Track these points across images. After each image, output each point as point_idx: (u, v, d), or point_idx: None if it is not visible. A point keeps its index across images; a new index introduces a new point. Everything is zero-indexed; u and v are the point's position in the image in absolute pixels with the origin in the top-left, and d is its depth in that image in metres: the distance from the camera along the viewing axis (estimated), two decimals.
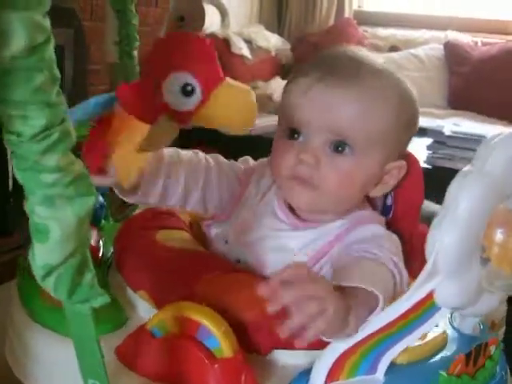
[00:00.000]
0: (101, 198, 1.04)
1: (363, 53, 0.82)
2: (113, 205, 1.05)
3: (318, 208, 0.79)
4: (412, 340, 0.61)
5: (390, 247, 0.74)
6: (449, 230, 0.53)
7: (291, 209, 0.82)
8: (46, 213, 0.47)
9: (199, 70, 0.74)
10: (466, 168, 0.55)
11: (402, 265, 0.72)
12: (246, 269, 0.79)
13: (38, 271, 0.49)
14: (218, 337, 0.61)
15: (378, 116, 0.76)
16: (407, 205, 0.85)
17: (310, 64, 0.81)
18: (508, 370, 0.79)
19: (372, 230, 0.77)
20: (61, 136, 0.46)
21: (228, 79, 0.77)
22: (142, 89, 0.72)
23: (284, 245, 0.80)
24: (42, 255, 0.48)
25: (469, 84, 3.05)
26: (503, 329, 0.99)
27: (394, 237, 0.78)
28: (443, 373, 0.62)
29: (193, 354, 0.62)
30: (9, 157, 1.67)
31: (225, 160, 0.89)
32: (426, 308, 0.58)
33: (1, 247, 1.60)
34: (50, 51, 0.45)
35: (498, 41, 3.21)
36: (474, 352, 0.66)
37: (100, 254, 0.86)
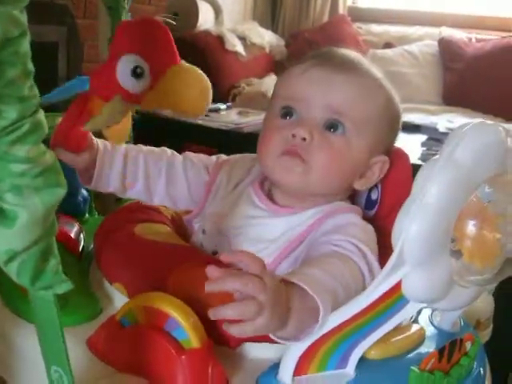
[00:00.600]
0: (85, 192, 1.03)
1: (357, 55, 0.84)
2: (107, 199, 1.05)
3: (305, 188, 0.78)
4: (382, 333, 0.60)
5: (361, 237, 0.73)
6: (416, 219, 0.52)
7: (268, 196, 0.82)
8: (15, 200, 0.48)
9: (150, 53, 0.75)
10: (434, 157, 0.54)
11: (372, 256, 0.71)
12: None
13: (1, 256, 0.49)
14: (185, 328, 0.60)
15: (372, 102, 0.79)
16: (395, 199, 0.83)
17: (306, 56, 0.82)
18: (487, 367, 0.78)
19: (347, 219, 0.77)
20: (31, 127, 0.47)
21: (182, 63, 0.77)
22: (102, 68, 0.76)
23: (259, 234, 0.79)
24: (6, 240, 0.48)
25: (463, 80, 3.04)
26: (490, 328, 0.98)
27: (369, 227, 0.78)
28: (414, 368, 0.61)
29: (160, 345, 0.61)
30: None
31: (194, 154, 0.91)
32: (393, 300, 0.57)
33: None
34: (25, 45, 0.45)
35: (493, 37, 3.20)
36: (447, 348, 0.64)
37: (80, 248, 0.86)
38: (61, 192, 0.50)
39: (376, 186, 0.85)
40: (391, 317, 0.58)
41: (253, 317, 0.56)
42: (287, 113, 0.79)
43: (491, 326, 0.99)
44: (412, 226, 0.52)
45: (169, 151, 0.89)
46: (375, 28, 3.60)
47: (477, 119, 0.56)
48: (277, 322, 0.58)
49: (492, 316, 0.98)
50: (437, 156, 0.55)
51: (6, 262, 0.49)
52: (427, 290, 0.55)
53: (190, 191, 0.88)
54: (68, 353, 0.54)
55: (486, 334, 0.97)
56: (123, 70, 0.77)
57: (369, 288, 0.57)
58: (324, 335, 0.59)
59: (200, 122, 2.51)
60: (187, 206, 0.90)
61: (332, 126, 0.77)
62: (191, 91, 0.78)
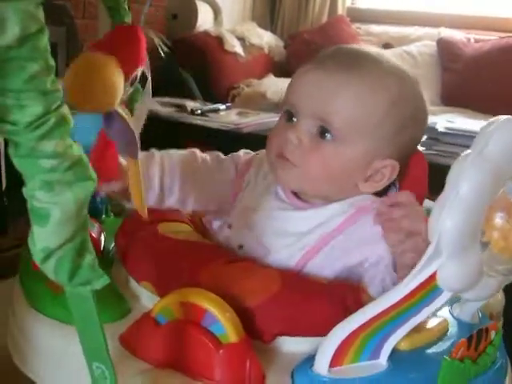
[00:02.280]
0: (102, 193, 1.04)
1: (374, 52, 0.82)
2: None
3: (303, 189, 0.81)
4: (414, 324, 0.62)
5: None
6: (451, 213, 0.54)
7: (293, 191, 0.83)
8: (46, 197, 0.48)
9: (100, 39, 0.76)
10: (466, 152, 0.56)
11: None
12: (247, 254, 0.80)
13: (37, 255, 0.50)
14: (223, 323, 0.61)
15: (367, 107, 0.77)
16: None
17: (320, 53, 0.83)
18: (507, 357, 0.80)
19: (371, 231, 0.77)
20: (57, 122, 0.47)
21: (97, 54, 0.71)
22: None
23: (285, 228, 0.80)
24: (42, 239, 0.49)
25: (462, 81, 3.07)
26: (501, 322, 1.00)
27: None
28: (446, 357, 0.63)
29: (198, 340, 0.62)
30: (1, 157, 1.67)
31: (223, 156, 0.91)
32: (428, 291, 0.59)
33: None
34: (44, 41, 0.46)
35: (491, 37, 3.22)
36: (475, 336, 0.66)
37: (102, 248, 0.87)
38: (91, 185, 0.50)
39: (394, 184, 0.85)
40: (424, 307, 0.60)
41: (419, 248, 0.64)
42: (289, 116, 0.81)
43: (502, 320, 1.01)
44: (447, 220, 0.54)
45: (198, 154, 0.89)
46: (374, 28, 3.63)
47: (503, 116, 0.58)
48: None
49: (502, 310, 1.01)
50: (467, 152, 0.57)
51: (42, 260, 0.50)
52: (461, 280, 0.57)
53: (219, 194, 0.89)
54: (108, 348, 0.55)
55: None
56: None
57: (406, 279, 0.59)
58: (359, 327, 0.61)
59: (200, 122, 2.52)
60: (216, 208, 0.90)
61: (322, 132, 0.77)
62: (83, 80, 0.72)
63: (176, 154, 0.87)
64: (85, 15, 2.64)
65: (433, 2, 3.62)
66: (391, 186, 0.85)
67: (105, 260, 0.85)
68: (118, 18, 1.01)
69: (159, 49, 0.88)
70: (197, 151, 0.90)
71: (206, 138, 2.43)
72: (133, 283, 0.78)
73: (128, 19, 1.03)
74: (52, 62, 0.47)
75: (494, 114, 1.97)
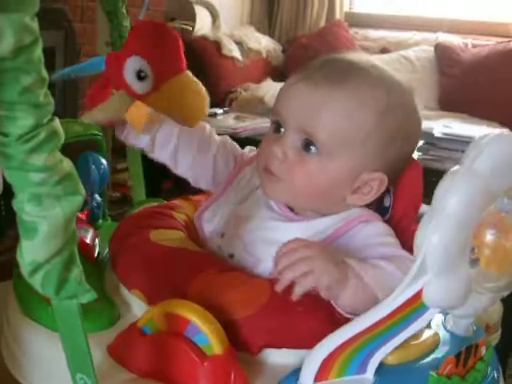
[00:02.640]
0: (98, 198, 1.04)
1: (365, 61, 0.81)
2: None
3: (291, 202, 0.81)
4: (401, 340, 0.61)
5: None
6: (437, 230, 0.53)
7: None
8: (35, 211, 0.48)
9: (155, 59, 0.79)
10: (455, 168, 0.55)
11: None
12: (238, 264, 0.79)
13: (25, 268, 0.50)
14: (207, 334, 0.61)
15: (353, 120, 0.76)
16: (408, 206, 0.86)
17: (310, 63, 0.82)
18: (500, 370, 0.79)
19: (377, 228, 0.78)
20: (48, 136, 0.47)
21: (187, 73, 0.79)
22: (114, 59, 0.81)
23: (277, 238, 0.78)
24: (30, 252, 0.49)
25: (459, 86, 3.07)
26: (498, 332, 0.99)
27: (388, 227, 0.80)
28: (433, 373, 0.62)
29: (182, 352, 0.62)
30: None
31: (230, 141, 0.94)
32: (414, 308, 0.58)
33: None
34: (38, 52, 0.45)
35: (489, 42, 3.22)
36: (464, 353, 0.65)
37: (96, 253, 0.87)
38: (80, 199, 0.50)
39: (388, 193, 0.85)
40: (411, 323, 0.59)
41: (308, 270, 0.66)
42: (277, 128, 0.80)
43: (500, 330, 1.00)
44: (434, 237, 0.53)
45: (208, 128, 0.92)
46: (372, 33, 3.62)
47: (496, 129, 0.57)
48: (333, 274, 0.66)
49: (500, 320, 1.00)
50: (457, 167, 0.56)
51: (30, 274, 0.50)
52: (447, 298, 0.57)
53: (214, 175, 0.91)
54: (92, 360, 0.56)
55: (494, 338, 0.98)
56: (129, 70, 0.81)
57: (391, 296, 0.59)
58: (346, 341, 0.60)
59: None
60: (206, 187, 0.93)
61: (307, 145, 0.77)
62: (190, 102, 0.80)
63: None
64: (83, 19, 2.64)
65: (430, 6, 3.62)
66: (386, 195, 0.85)
67: (98, 265, 0.86)
68: (116, 21, 1.01)
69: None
70: (208, 125, 0.93)
71: None
72: (124, 290, 0.78)
73: (126, 23, 1.03)
74: (45, 75, 0.47)
75: (491, 119, 1.99)
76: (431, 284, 0.56)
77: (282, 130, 0.79)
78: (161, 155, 0.91)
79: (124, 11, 1.01)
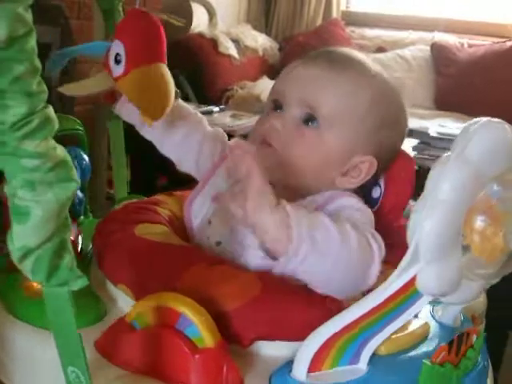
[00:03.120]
0: (80, 194, 1.03)
1: (362, 56, 0.86)
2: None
3: (282, 176, 0.80)
4: (395, 328, 0.61)
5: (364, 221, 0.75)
6: (430, 216, 0.53)
7: None
8: (28, 196, 0.48)
9: (130, 45, 0.79)
10: (446, 155, 0.56)
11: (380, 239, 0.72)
12: (225, 251, 0.79)
13: (15, 253, 0.49)
14: (198, 326, 0.60)
15: (351, 100, 0.80)
16: (397, 198, 0.87)
17: (308, 54, 0.86)
18: (489, 360, 0.79)
19: (349, 202, 0.79)
20: (41, 123, 0.48)
21: (159, 66, 0.79)
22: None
23: None
24: (21, 237, 0.49)
25: (455, 85, 3.08)
26: (483, 324, 1.00)
27: (369, 212, 0.79)
28: (426, 361, 0.62)
29: (174, 344, 0.61)
30: None
31: (222, 131, 0.97)
32: (407, 295, 0.58)
33: None
34: (32, 43, 0.46)
35: (485, 43, 3.24)
36: (456, 341, 0.65)
37: (79, 249, 0.85)
38: (74, 186, 0.51)
39: (378, 184, 0.86)
40: (404, 311, 0.60)
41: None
42: (276, 106, 0.83)
43: (484, 321, 1.01)
44: (426, 223, 0.54)
45: (200, 116, 0.95)
46: (368, 32, 3.64)
47: (484, 118, 0.58)
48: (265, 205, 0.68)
49: (485, 312, 1.01)
50: (448, 154, 0.56)
51: (20, 259, 0.50)
52: (441, 284, 0.57)
53: (197, 161, 0.92)
54: (85, 353, 0.54)
55: (481, 329, 0.99)
56: (110, 53, 0.83)
57: (384, 284, 0.59)
58: (338, 332, 0.60)
59: None
60: (189, 171, 0.94)
61: (307, 119, 0.80)
62: (150, 95, 0.79)
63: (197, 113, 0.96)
64: (80, 16, 2.64)
65: (427, 6, 3.63)
66: (375, 185, 0.86)
67: (82, 262, 0.84)
68: (111, 20, 1.01)
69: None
70: (203, 117, 0.97)
71: None
72: (110, 285, 0.77)
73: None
74: (38, 64, 0.47)
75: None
76: (424, 271, 0.56)
77: (280, 110, 0.82)
78: (150, 131, 0.91)
79: (120, 10, 1.01)
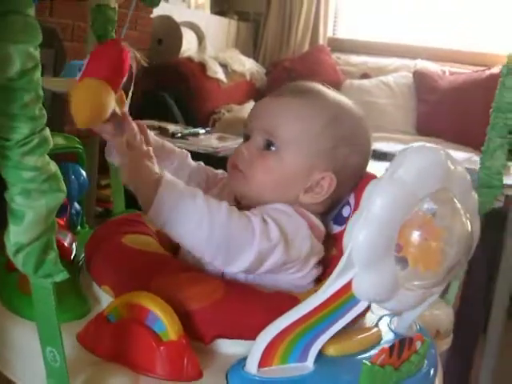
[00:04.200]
0: (77, 206, 1.12)
1: (324, 87, 0.94)
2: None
3: (249, 193, 0.90)
4: (337, 329, 0.68)
5: (276, 216, 0.82)
6: (362, 228, 0.61)
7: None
8: (24, 202, 0.57)
9: (92, 60, 0.89)
10: (381, 175, 0.63)
11: (276, 228, 0.80)
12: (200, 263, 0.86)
13: (10, 248, 0.58)
14: (164, 321, 0.68)
15: (306, 123, 0.89)
16: None
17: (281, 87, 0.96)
18: (439, 367, 0.85)
19: (281, 206, 0.86)
20: (40, 142, 0.57)
21: (89, 80, 0.87)
22: None
23: None
24: (16, 235, 0.58)
25: (435, 111, 3.17)
26: (449, 338, 1.06)
27: (297, 218, 0.85)
28: (366, 362, 0.68)
29: (142, 337, 0.69)
30: None
31: (203, 165, 1.06)
32: (345, 299, 0.65)
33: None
34: (38, 75, 0.55)
35: (466, 71, 3.33)
36: (397, 345, 0.71)
37: (72, 256, 0.94)
38: (61, 196, 0.59)
39: (348, 203, 0.93)
40: (345, 314, 0.66)
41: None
42: (246, 137, 0.93)
43: (451, 335, 1.07)
44: (360, 233, 0.61)
45: (186, 153, 1.04)
46: (354, 59, 3.73)
47: (419, 143, 0.65)
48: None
49: (452, 327, 1.07)
50: (382, 174, 0.63)
51: (14, 253, 0.59)
52: (374, 290, 0.63)
53: None
54: (62, 335, 0.62)
55: (445, 343, 1.05)
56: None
57: (322, 287, 0.65)
58: (284, 330, 0.67)
59: (179, 144, 2.59)
60: None
61: (268, 145, 0.89)
62: (74, 104, 0.86)
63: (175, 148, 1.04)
64: (73, 38, 2.71)
65: (411, 34, 3.73)
66: (346, 205, 0.93)
67: (74, 267, 0.92)
68: None
69: (133, 60, 0.97)
70: (185, 150, 1.05)
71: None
72: (95, 287, 0.85)
73: None
74: (41, 93, 0.56)
75: (465, 145, 2.06)
76: (358, 277, 0.63)
77: (249, 139, 0.92)
78: None
79: (114, 35, 1.09)
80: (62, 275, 0.61)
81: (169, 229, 0.77)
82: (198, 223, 0.75)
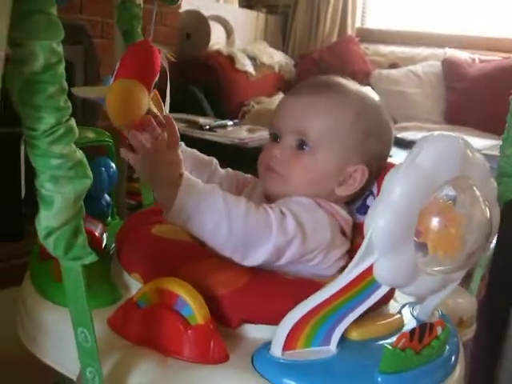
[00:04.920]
0: (108, 198, 1.16)
1: (342, 80, 0.97)
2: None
3: (286, 195, 0.90)
4: (358, 313, 0.70)
5: (294, 208, 0.84)
6: (382, 214, 0.63)
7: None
8: (52, 188, 0.61)
9: (124, 63, 0.92)
10: (400, 163, 0.64)
11: (293, 222, 0.81)
12: None
13: (41, 232, 0.62)
14: (192, 306, 0.71)
15: (335, 120, 0.91)
16: None
17: (297, 85, 0.98)
18: (460, 355, 0.86)
19: (301, 199, 0.88)
20: (66, 131, 0.60)
21: (122, 80, 0.90)
22: None
23: None
24: (46, 220, 0.61)
25: (465, 100, 3.14)
26: (473, 327, 1.07)
27: (318, 211, 0.87)
28: (388, 346, 0.70)
29: (170, 321, 0.72)
30: (22, 167, 1.80)
31: (232, 171, 1.08)
32: (366, 284, 0.67)
33: (15, 251, 1.71)
34: (62, 69, 0.59)
35: (496, 58, 3.29)
36: (418, 330, 0.73)
37: (103, 245, 0.99)
38: (88, 182, 0.63)
39: (372, 193, 0.96)
40: (366, 298, 0.69)
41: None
42: (275, 137, 0.95)
43: (474, 324, 1.08)
44: (379, 219, 0.63)
45: (214, 162, 1.06)
46: (382, 48, 3.71)
47: (436, 132, 0.66)
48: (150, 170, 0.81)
49: (475, 316, 1.07)
50: (402, 162, 0.65)
51: (45, 237, 0.62)
52: (394, 275, 0.65)
53: None
54: (92, 316, 0.66)
55: (469, 332, 1.06)
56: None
57: (345, 271, 0.68)
58: (307, 314, 0.69)
59: (207, 136, 2.63)
60: None
61: (300, 144, 0.91)
62: (111, 105, 0.89)
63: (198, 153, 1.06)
64: (103, 35, 2.75)
65: (439, 23, 3.70)
66: (369, 195, 0.96)
67: (105, 256, 0.97)
68: (131, 41, 1.11)
69: (164, 59, 1.00)
70: (214, 160, 1.07)
71: (212, 151, 2.52)
72: (125, 275, 0.88)
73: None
74: (65, 86, 0.60)
75: (494, 133, 2.06)
76: (379, 262, 0.65)
77: (279, 139, 0.93)
78: None
79: (139, 31, 1.11)
80: (91, 257, 0.64)
81: (189, 228, 0.80)
82: (217, 222, 0.78)
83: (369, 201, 0.96)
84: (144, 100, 0.91)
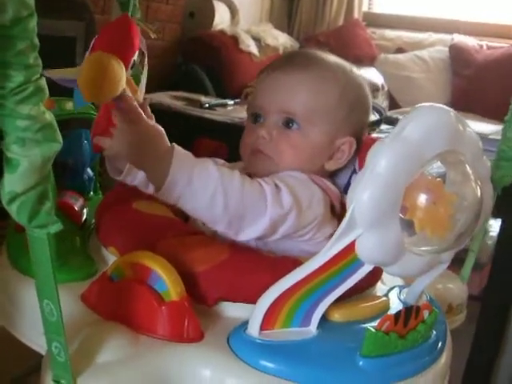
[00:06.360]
0: (90, 172, 1.12)
1: (321, 53, 0.95)
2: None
3: (276, 173, 0.87)
4: (340, 292, 0.67)
5: (288, 180, 0.81)
6: (365, 187, 0.59)
7: None
8: (19, 151, 0.57)
9: (101, 36, 0.86)
10: (386, 135, 0.61)
11: (287, 193, 0.79)
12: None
13: (4, 196, 0.58)
14: (166, 281, 0.68)
15: (321, 95, 0.89)
16: None
17: (274, 60, 0.96)
18: (448, 341, 0.83)
19: (293, 172, 0.86)
20: (34, 91, 0.56)
21: (99, 53, 0.83)
22: None
23: None
24: (10, 183, 0.58)
25: (471, 86, 3.10)
26: (463, 314, 1.04)
27: (311, 185, 0.85)
28: (370, 328, 0.67)
29: (143, 297, 0.68)
30: None
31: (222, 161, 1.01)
32: (349, 261, 0.64)
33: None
34: (33, 24, 0.55)
35: (504, 45, 3.24)
36: (403, 313, 0.70)
37: (83, 220, 0.95)
38: (56, 146, 0.59)
39: (355, 171, 0.93)
40: (348, 276, 0.65)
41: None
42: (256, 118, 0.91)
43: (465, 312, 1.04)
44: (363, 193, 0.59)
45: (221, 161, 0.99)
46: (389, 33, 3.67)
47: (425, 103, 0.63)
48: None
49: (465, 303, 1.04)
50: (387, 134, 0.61)
51: (8, 202, 0.59)
52: (378, 252, 0.62)
53: None
54: (57, 289, 0.62)
55: (458, 319, 1.03)
56: None
57: (325, 247, 0.64)
58: (287, 291, 0.66)
59: (207, 115, 2.60)
60: None
61: (287, 122, 0.88)
62: (83, 80, 0.84)
63: None
64: (104, 11, 2.73)
65: (447, 8, 3.64)
66: (353, 173, 0.93)
67: (84, 230, 0.93)
68: (127, 12, 1.07)
69: (143, 42, 0.95)
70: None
71: (211, 130, 2.50)
72: (103, 250, 0.85)
73: (137, 15, 1.09)
74: (37, 42, 0.56)
75: (501, 121, 2.01)
76: (362, 238, 0.61)
77: (261, 119, 0.90)
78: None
79: (136, 3, 1.08)
80: (57, 226, 0.60)
81: (183, 203, 0.76)
82: (212, 194, 0.74)
83: (353, 179, 0.93)
84: (121, 75, 0.85)
